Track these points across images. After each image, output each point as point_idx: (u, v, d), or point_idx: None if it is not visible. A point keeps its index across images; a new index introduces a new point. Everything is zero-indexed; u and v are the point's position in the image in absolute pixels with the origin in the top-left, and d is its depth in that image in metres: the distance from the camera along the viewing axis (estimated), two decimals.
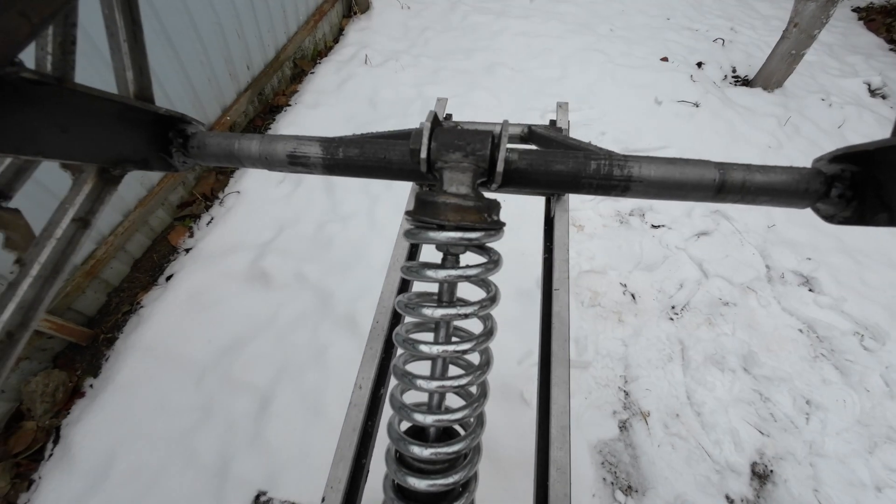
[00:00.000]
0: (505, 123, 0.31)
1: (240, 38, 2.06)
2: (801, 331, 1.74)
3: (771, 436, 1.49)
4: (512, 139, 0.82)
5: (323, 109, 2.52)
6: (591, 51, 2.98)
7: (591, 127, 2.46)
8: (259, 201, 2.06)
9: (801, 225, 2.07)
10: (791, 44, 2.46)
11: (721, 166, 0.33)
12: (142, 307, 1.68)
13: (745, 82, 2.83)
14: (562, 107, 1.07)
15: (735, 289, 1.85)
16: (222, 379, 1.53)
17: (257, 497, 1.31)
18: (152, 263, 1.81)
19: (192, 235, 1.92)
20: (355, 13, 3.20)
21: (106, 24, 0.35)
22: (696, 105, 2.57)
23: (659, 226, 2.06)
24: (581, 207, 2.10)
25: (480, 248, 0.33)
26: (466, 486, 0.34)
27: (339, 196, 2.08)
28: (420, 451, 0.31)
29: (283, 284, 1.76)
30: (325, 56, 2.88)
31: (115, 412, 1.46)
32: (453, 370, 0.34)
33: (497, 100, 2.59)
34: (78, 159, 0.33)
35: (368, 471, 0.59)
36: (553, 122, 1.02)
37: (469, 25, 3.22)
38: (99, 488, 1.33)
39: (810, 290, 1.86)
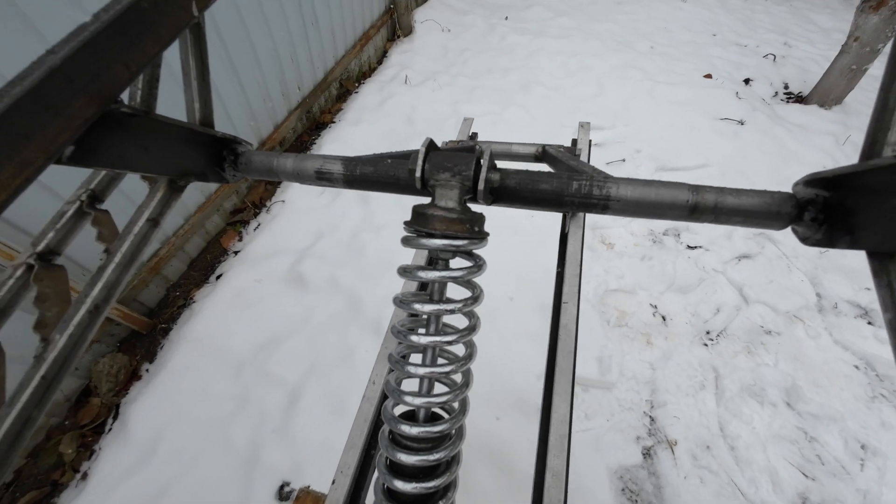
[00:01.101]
0: (488, 146, 0.36)
1: (293, 63, 2.27)
2: (856, 367, 1.60)
3: (817, 479, 1.37)
4: (527, 157, 0.86)
5: (364, 126, 2.69)
6: (630, 68, 2.95)
7: (626, 144, 2.43)
8: (301, 210, 2.22)
9: (858, 252, 1.91)
10: (851, 58, 2.31)
11: (694, 188, 0.36)
12: (194, 302, 1.86)
13: (799, 99, 2.67)
14: (583, 126, 1.10)
15: (779, 317, 1.73)
16: (258, 372, 1.65)
17: (281, 487, 1.40)
18: (206, 263, 2.01)
19: (241, 239, 2.10)
20: (398, 36, 3.40)
21: (182, 66, 0.44)
22: (741, 123, 2.46)
23: (696, 247, 1.99)
24: (612, 225, 2.07)
25: (467, 254, 0.37)
26: (450, 464, 0.38)
27: (373, 207, 2.20)
28: (409, 430, 0.36)
29: (317, 288, 1.88)
30: (369, 76, 3.08)
31: (165, 395, 1.62)
32: (442, 361, 0.39)
33: (531, 117, 2.63)
34: (154, 172, 0.42)
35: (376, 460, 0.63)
36: (574, 142, 1.05)
37: (507, 46, 3.31)
38: (146, 464, 1.48)
39: (869, 322, 1.70)
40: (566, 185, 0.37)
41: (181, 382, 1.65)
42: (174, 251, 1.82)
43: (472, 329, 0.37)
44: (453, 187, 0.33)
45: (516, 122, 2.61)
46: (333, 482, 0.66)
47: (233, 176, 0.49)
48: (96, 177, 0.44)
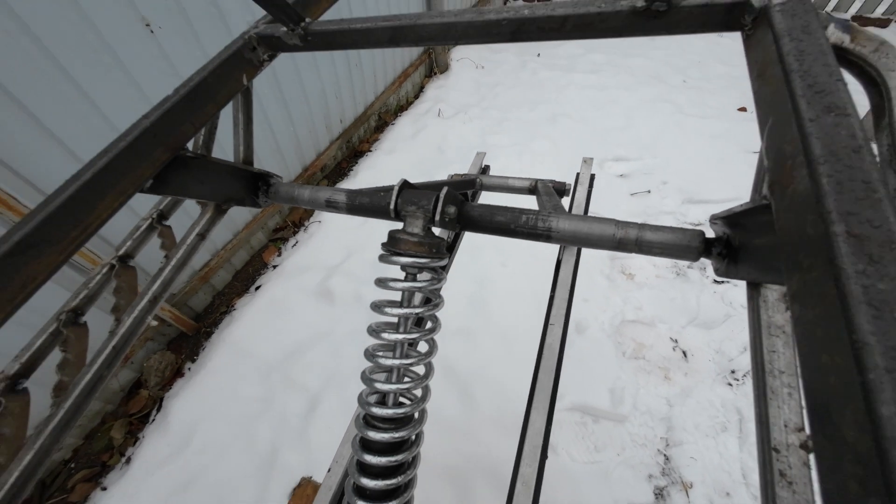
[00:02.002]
0: (449, 185, 0.45)
1: (337, 99, 2.53)
2: None
3: None
4: (521, 190, 0.94)
5: (398, 154, 2.89)
6: (660, 101, 2.97)
7: (653, 176, 2.43)
8: (334, 230, 2.41)
9: None
10: None
11: (620, 224, 0.43)
12: (234, 310, 2.06)
13: None
14: (586, 161, 1.17)
15: None
16: (283, 378, 1.78)
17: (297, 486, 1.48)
18: (248, 275, 2.22)
19: (280, 255, 2.31)
20: (435, 73, 3.66)
21: (233, 119, 0.58)
22: None
23: (723, 281, 1.92)
24: (633, 255, 2.06)
25: (431, 270, 0.45)
26: (415, 441, 0.45)
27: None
28: (380, 411, 0.44)
29: (343, 302, 2.02)
30: (406, 109, 3.32)
31: (202, 392, 1.79)
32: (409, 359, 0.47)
33: (556, 148, 2.71)
34: (206, 199, 0.55)
35: None
36: (577, 176, 1.12)
37: (537, 81, 3.46)
38: (180, 454, 1.62)
39: None
40: (517, 218, 0.45)
41: (217, 382, 1.82)
42: (222, 263, 2.04)
43: (432, 330, 0.45)
44: (419, 217, 0.42)
45: (542, 153, 2.70)
46: (329, 470, 0.75)
47: (265, 202, 0.62)
48: (164, 201, 0.58)
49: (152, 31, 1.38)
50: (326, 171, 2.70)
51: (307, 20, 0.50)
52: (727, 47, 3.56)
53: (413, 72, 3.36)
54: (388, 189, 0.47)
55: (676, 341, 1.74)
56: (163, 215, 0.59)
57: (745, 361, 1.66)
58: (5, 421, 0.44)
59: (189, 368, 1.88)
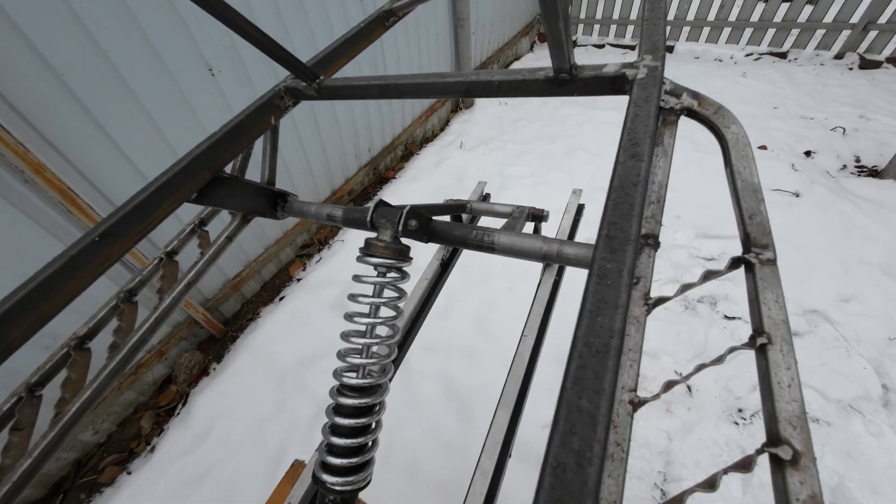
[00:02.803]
0: (408, 208, 0.56)
1: (366, 130, 2.78)
2: None
3: None
4: (504, 215, 1.04)
5: (420, 182, 3.08)
6: (679, 138, 3.03)
7: (667, 210, 2.46)
8: (355, 250, 2.59)
9: None
10: None
11: (546, 240, 0.52)
12: (259, 317, 2.24)
13: (874, 173, 2.49)
14: (575, 192, 1.27)
15: (829, 405, 1.56)
16: (296, 383, 1.91)
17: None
18: (274, 286, 2.41)
19: (304, 269, 2.50)
20: (461, 109, 3.91)
21: (262, 149, 0.73)
22: (796, 195, 2.36)
23: (734, 317, 1.90)
24: None
25: (397, 270, 0.56)
26: (380, 406, 0.55)
27: (415, 251, 2.48)
28: (350, 380, 0.54)
29: None
30: (431, 141, 3.56)
31: (223, 392, 1.94)
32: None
33: (571, 179, 2.80)
34: (236, 210, 0.70)
35: None
36: (580, 208, 1.21)
37: (558, 117, 3.61)
38: (198, 447, 1.76)
39: None
40: (469, 233, 0.57)
41: (237, 382, 1.97)
42: (252, 273, 2.25)
43: (395, 317, 0.56)
44: (388, 228, 0.54)
45: (557, 184, 2.80)
46: (316, 450, 0.84)
47: (281, 215, 0.76)
48: (205, 210, 0.74)
49: (213, 74, 1.65)
50: (353, 195, 2.92)
51: (321, 78, 0.65)
52: (750, 87, 3.59)
53: (440, 107, 3.62)
54: (374, 210, 0.60)
55: (681, 375, 1.72)
56: (203, 222, 0.74)
57: (753, 401, 1.61)
58: (73, 369, 0.58)
59: (214, 368, 2.05)
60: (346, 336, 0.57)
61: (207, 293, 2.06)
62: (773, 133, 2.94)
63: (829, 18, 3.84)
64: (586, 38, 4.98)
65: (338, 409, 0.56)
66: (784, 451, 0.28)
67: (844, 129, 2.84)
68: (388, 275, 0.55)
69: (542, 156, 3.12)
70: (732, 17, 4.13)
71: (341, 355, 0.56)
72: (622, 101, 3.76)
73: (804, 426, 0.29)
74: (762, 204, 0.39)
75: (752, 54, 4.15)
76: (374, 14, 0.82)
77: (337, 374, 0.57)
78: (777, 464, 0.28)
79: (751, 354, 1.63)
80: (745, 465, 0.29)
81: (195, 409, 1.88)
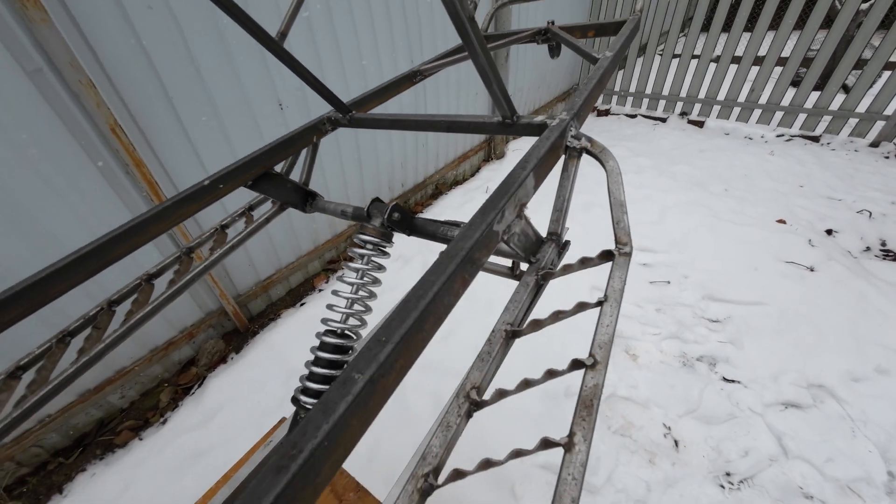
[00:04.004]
0: (393, 204, 0.75)
1: (402, 168, 3.12)
2: None
3: None
4: None
5: (443, 218, 3.33)
6: (697, 205, 3.12)
7: (675, 269, 2.52)
8: None
9: None
10: None
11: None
12: (280, 318, 2.46)
13: None
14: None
15: (827, 483, 1.49)
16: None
17: None
18: (298, 293, 2.65)
19: (327, 282, 2.74)
20: (492, 158, 4.24)
21: (305, 159, 0.98)
22: (811, 269, 2.35)
23: (733, 380, 1.88)
24: (640, 338, 2.11)
25: (380, 248, 0.75)
26: (352, 350, 0.71)
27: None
28: (334, 324, 0.71)
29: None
30: (460, 184, 3.86)
31: (235, 380, 2.12)
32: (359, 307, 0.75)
33: (584, 231, 2.94)
34: (277, 199, 0.94)
35: None
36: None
37: (580, 175, 3.83)
38: (204, 427, 1.92)
39: None
40: (438, 229, 0.75)
41: (250, 374, 2.15)
42: (281, 279, 2.51)
43: (373, 283, 0.74)
44: (378, 217, 0.74)
45: (570, 235, 2.94)
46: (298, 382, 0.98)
47: (309, 209, 0.99)
48: (256, 199, 0.98)
49: (282, 109, 2.03)
50: None
51: (353, 112, 0.90)
52: (778, 165, 3.67)
53: (472, 155, 3.96)
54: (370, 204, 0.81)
55: (669, 429, 1.71)
56: (251, 207, 0.98)
57: (745, 466, 1.57)
58: (139, 298, 0.79)
59: (232, 357, 2.25)
60: (336, 292, 0.75)
61: (240, 289, 2.32)
62: (795, 209, 2.97)
63: (861, 108, 3.93)
64: (619, 108, 5.31)
65: (321, 346, 0.73)
66: (588, 360, 0.43)
67: (871, 213, 2.83)
68: (372, 250, 0.74)
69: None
70: (763, 100, 4.31)
71: (330, 307, 0.74)
72: (644, 166, 3.90)
73: (607, 348, 0.44)
74: (625, 215, 0.55)
75: (783, 135, 4.26)
76: (405, 73, 1.09)
77: (324, 320, 0.74)
78: (581, 367, 0.43)
79: (751, 422, 1.61)
80: (553, 372, 0.44)
81: (209, 391, 2.07)
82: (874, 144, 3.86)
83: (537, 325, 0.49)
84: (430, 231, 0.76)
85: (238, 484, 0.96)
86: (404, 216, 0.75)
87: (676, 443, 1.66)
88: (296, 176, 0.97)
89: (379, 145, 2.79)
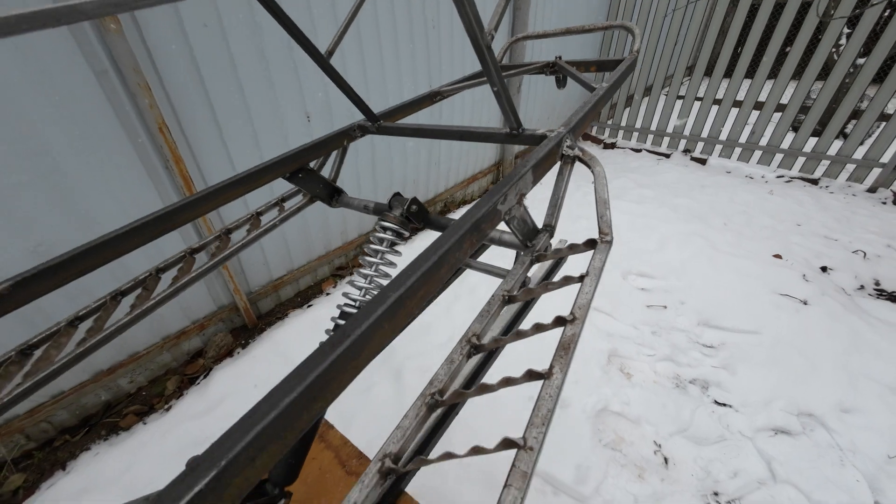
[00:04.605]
0: (413, 197, 0.87)
1: (414, 183, 3.28)
2: None
3: None
4: None
5: None
6: (696, 236, 3.22)
7: (672, 294, 2.59)
8: None
9: None
10: None
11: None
12: (287, 318, 2.54)
13: (893, 298, 2.50)
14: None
15: None
16: None
17: None
18: (306, 295, 2.75)
19: (335, 287, 2.84)
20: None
21: (334, 159, 1.11)
22: (804, 302, 2.42)
23: (724, 404, 1.92)
24: (635, 358, 2.16)
25: (398, 233, 0.85)
26: None
27: None
28: (353, 295, 0.81)
29: None
30: (467, 203, 4.01)
31: (240, 374, 2.19)
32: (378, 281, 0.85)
33: (587, 257, 3.04)
34: (308, 192, 1.06)
35: None
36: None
37: (586, 201, 3.97)
38: (206, 416, 1.98)
39: None
40: (448, 223, 0.86)
41: (254, 369, 2.22)
42: (291, 280, 2.61)
43: (389, 265, 0.84)
44: (398, 208, 0.86)
45: (572, 257, 3.04)
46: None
47: (335, 204, 1.11)
48: (289, 191, 1.10)
49: (308, 120, 2.21)
50: None
51: (381, 122, 1.04)
52: (777, 203, 3.78)
53: (481, 177, 4.13)
54: (391, 197, 0.93)
55: (660, 446, 1.74)
56: (283, 199, 1.10)
57: (733, 487, 1.59)
58: (184, 267, 0.90)
59: (238, 352, 2.33)
60: (356, 269, 0.86)
61: (253, 287, 2.43)
62: (791, 246, 3.06)
63: (858, 155, 4.07)
64: (625, 143, 5.52)
65: (341, 316, 0.82)
66: (569, 317, 0.53)
67: (865, 253, 2.90)
68: (392, 235, 0.85)
69: (563, 232, 3.41)
70: (763, 142, 4.48)
71: (351, 281, 0.84)
72: (647, 197, 4.03)
73: (585, 309, 0.54)
74: (608, 210, 0.66)
75: (783, 176, 4.40)
76: (425, 93, 1.24)
77: (345, 294, 0.85)
78: (563, 323, 0.53)
79: (741, 445, 1.64)
80: (540, 326, 0.53)
81: (213, 383, 2.14)
82: (871, 190, 3.98)
83: (529, 292, 0.59)
84: (441, 224, 0.87)
85: None
86: (421, 209, 0.86)
87: (666, 460, 1.69)
88: (325, 175, 1.10)
89: (394, 159, 2.96)
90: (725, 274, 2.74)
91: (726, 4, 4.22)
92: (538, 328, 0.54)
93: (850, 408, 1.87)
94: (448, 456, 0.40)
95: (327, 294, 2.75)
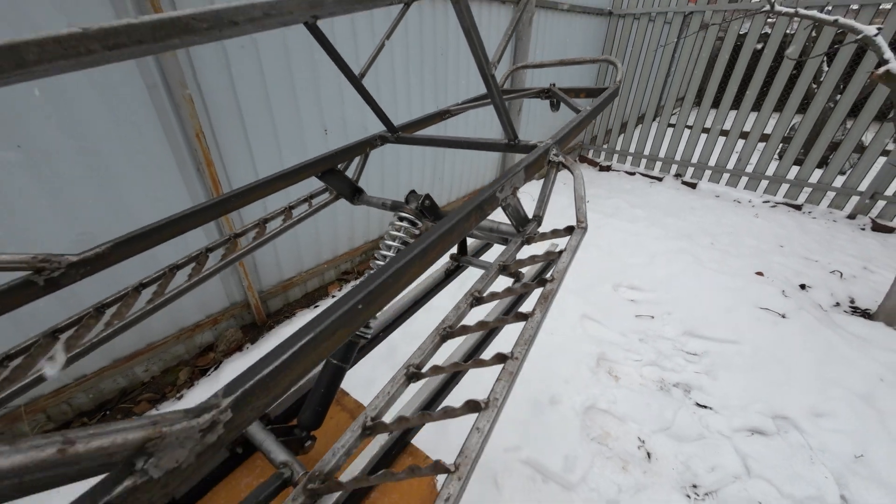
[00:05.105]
0: (426, 194, 1.04)
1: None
2: None
3: None
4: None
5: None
6: (684, 253, 3.40)
7: (659, 305, 2.74)
8: None
9: None
10: None
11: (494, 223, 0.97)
12: (294, 316, 2.68)
13: (866, 315, 2.66)
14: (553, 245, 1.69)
15: (785, 500, 1.62)
16: None
17: None
18: (313, 297, 2.89)
19: (339, 290, 2.98)
20: None
21: (357, 164, 1.29)
22: (783, 316, 2.57)
23: (705, 406, 2.04)
24: (623, 362, 2.29)
25: (412, 223, 1.02)
26: None
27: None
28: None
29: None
30: None
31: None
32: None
33: (579, 267, 3.20)
34: (334, 190, 1.23)
35: None
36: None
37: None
38: None
39: None
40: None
41: None
42: (300, 282, 2.76)
43: (405, 245, 1.01)
44: (414, 203, 1.03)
45: (569, 272, 3.20)
46: None
47: (357, 202, 1.28)
48: (317, 189, 1.28)
49: (326, 133, 2.41)
50: None
51: (399, 132, 1.22)
52: (762, 226, 3.98)
53: None
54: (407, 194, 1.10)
55: (643, 442, 1.86)
56: (312, 196, 1.27)
57: (710, 480, 1.71)
58: (229, 251, 1.06)
59: (247, 347, 2.45)
60: (373, 260, 1.02)
61: (264, 286, 2.57)
62: (773, 265, 3.24)
63: (838, 183, 4.31)
64: (620, 166, 5.78)
65: None
66: (549, 277, 0.69)
67: (842, 273, 3.08)
68: (408, 224, 1.02)
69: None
70: (749, 169, 4.73)
71: (367, 270, 1.00)
72: (639, 216, 4.22)
73: (562, 273, 0.70)
74: (584, 204, 0.83)
75: (769, 201, 4.62)
76: (435, 111, 1.43)
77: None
78: (544, 283, 0.69)
79: (718, 443, 1.76)
80: (527, 286, 0.70)
81: (223, 375, 2.25)
82: (851, 216, 4.20)
83: (520, 263, 0.75)
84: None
85: None
86: (433, 204, 1.03)
87: (649, 455, 1.80)
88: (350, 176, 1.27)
89: (401, 171, 3.16)
90: (710, 288, 2.90)
91: (713, 41, 4.55)
92: (525, 287, 0.70)
93: (821, 412, 1.99)
94: (425, 417, 0.53)
95: (332, 297, 2.89)
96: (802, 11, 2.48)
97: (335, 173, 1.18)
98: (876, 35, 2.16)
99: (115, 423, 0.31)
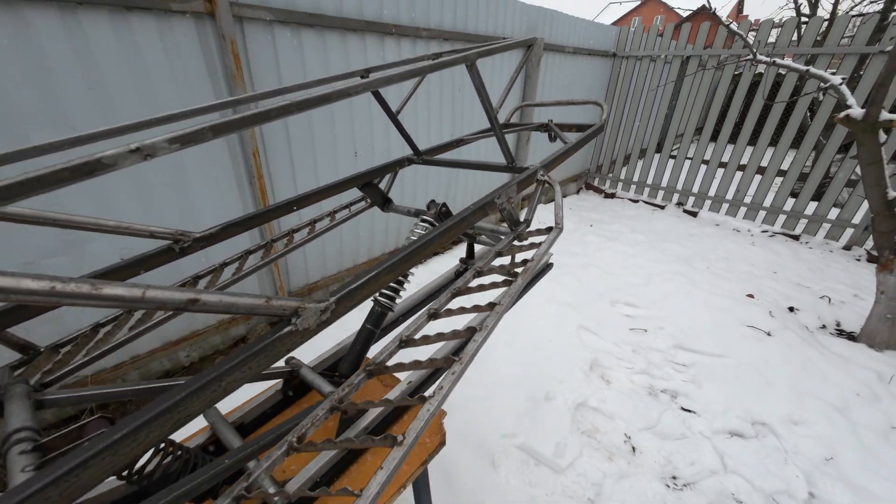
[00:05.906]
0: (443, 202, 1.33)
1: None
2: None
3: None
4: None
5: (452, 261, 3.91)
6: (679, 275, 3.61)
7: (653, 320, 2.95)
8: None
9: (883, 477, 1.86)
10: (884, 309, 2.57)
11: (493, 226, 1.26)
12: None
13: (850, 337, 2.82)
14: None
15: (756, 493, 1.79)
16: None
17: None
18: None
19: None
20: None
21: (388, 178, 1.61)
22: (768, 334, 2.75)
23: (689, 410, 2.22)
24: (615, 369, 2.49)
25: (430, 223, 1.30)
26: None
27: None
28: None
29: None
30: None
31: None
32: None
33: (579, 284, 3.44)
34: (370, 199, 1.55)
35: None
36: None
37: (583, 242, 4.42)
38: (242, 391, 2.34)
39: None
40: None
41: None
42: (323, 286, 3.06)
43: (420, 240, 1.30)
44: (433, 208, 1.32)
45: (567, 285, 3.44)
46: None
47: (387, 209, 1.59)
48: (355, 198, 1.59)
49: (356, 156, 2.78)
50: None
51: (423, 156, 1.54)
52: (757, 254, 4.18)
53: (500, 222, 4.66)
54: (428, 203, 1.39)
55: (629, 437, 2.04)
56: (350, 203, 1.59)
57: (689, 473, 1.88)
58: (287, 241, 1.37)
59: None
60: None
61: (293, 287, 2.88)
62: (764, 288, 3.42)
63: (832, 215, 4.51)
64: (624, 193, 6.07)
65: (376, 302, 1.26)
66: (531, 258, 0.97)
67: (830, 299, 3.24)
68: (428, 225, 1.31)
69: (560, 266, 3.84)
70: (748, 200, 4.96)
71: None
72: (639, 241, 4.47)
73: (540, 256, 0.98)
74: (561, 210, 1.12)
75: (767, 231, 4.82)
76: (453, 139, 1.76)
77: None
78: (526, 262, 0.98)
79: (699, 443, 1.94)
80: (515, 264, 0.98)
81: None
82: (847, 248, 4.37)
83: (511, 249, 1.04)
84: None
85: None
86: (448, 211, 1.33)
87: (634, 448, 1.99)
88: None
89: (418, 189, 3.51)
90: (701, 307, 3.10)
91: (709, 81, 4.91)
92: (514, 265, 0.97)
93: (798, 420, 2.15)
94: (399, 367, 0.82)
95: None
96: (779, 61, 2.81)
97: (371, 186, 1.50)
98: (841, 84, 2.46)
99: (282, 298, 0.60)
